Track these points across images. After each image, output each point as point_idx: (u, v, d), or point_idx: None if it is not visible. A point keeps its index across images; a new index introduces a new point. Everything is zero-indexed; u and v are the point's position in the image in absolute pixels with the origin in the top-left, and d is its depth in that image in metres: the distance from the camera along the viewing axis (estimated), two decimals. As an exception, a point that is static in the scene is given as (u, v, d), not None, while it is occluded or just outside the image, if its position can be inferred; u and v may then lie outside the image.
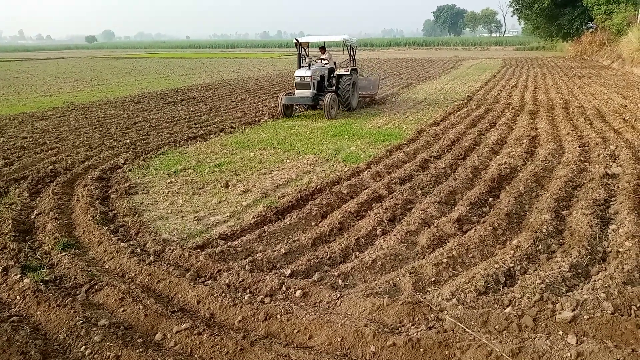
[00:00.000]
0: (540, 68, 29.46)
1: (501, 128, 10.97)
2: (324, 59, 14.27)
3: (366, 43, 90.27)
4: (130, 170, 8.35)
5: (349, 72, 13.80)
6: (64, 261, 4.84)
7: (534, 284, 3.99)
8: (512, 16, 58.69)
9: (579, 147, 8.85)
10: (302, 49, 14.18)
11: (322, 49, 14.66)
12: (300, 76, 13.04)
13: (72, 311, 3.90)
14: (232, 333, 3.62)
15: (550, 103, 14.78)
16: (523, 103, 14.94)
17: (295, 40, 13.85)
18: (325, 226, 5.56)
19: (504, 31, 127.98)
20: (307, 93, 13.10)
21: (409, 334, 3.44)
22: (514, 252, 4.60)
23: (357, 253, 5.00)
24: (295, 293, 4.15)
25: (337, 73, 13.93)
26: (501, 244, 5.03)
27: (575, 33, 44.44)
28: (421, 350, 3.29)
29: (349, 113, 14.03)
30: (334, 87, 13.79)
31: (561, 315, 3.48)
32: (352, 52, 14.58)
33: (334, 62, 14.46)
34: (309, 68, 13.08)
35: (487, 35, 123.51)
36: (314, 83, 13.03)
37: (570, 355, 3.06)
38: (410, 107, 15.05)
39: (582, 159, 8.07)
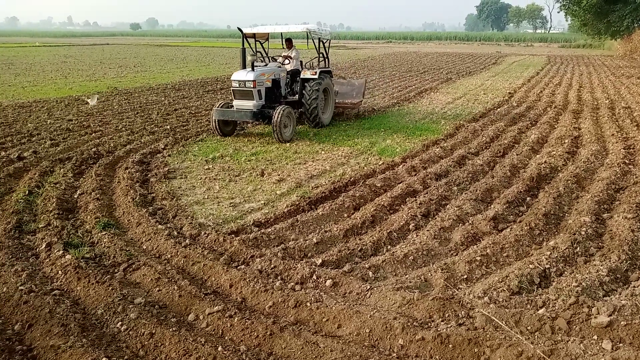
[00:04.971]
0: (586, 66, 28.48)
1: (542, 127, 10.69)
2: (288, 57, 10.92)
3: (406, 36, 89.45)
4: (169, 156, 8.56)
5: (316, 75, 10.25)
6: (104, 240, 5.02)
7: (570, 287, 3.89)
8: (558, 12, 56.72)
9: (624, 149, 8.54)
10: (258, 43, 10.68)
11: (289, 42, 11.13)
12: (238, 81, 9.36)
13: (110, 288, 4.04)
14: (263, 318, 3.69)
15: (595, 103, 14.28)
16: (566, 102, 14.50)
17: (240, 30, 10.05)
18: (358, 218, 5.56)
19: (550, 27, 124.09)
20: (249, 104, 9.40)
21: (439, 329, 3.42)
22: (550, 254, 4.49)
23: (389, 246, 4.99)
24: (325, 282, 4.19)
25: (303, 76, 10.40)
26: (537, 244, 4.92)
27: (625, 31, 42.62)
28: (450, 346, 3.27)
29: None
30: (298, 96, 10.44)
31: (597, 320, 3.38)
32: (323, 48, 10.97)
33: (300, 62, 11.07)
34: (253, 69, 9.42)
35: (531, 32, 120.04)
36: (259, 91, 9.41)
37: (605, 361, 2.99)
38: (449, 102, 14.82)
39: (627, 161, 7.79)
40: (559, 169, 7.47)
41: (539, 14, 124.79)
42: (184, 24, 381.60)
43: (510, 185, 6.75)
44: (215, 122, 9.79)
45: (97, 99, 13.32)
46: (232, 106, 9.80)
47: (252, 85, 9.26)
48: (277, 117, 9.14)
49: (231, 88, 9.68)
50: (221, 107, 9.78)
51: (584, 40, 60.38)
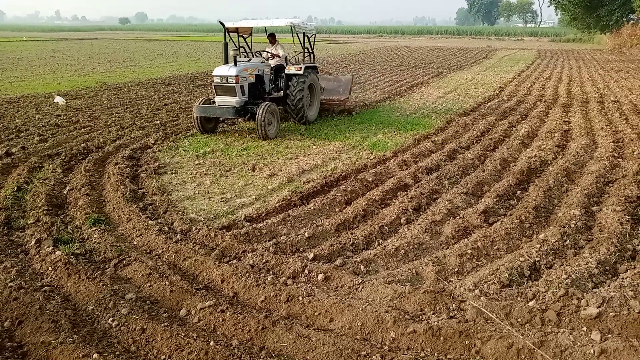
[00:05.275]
0: (576, 60, 28.66)
1: (533, 120, 10.76)
2: (276, 55, 10.67)
3: (397, 31, 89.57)
4: (159, 151, 8.50)
5: (302, 71, 9.97)
6: (94, 236, 4.98)
7: (560, 279, 3.93)
8: (548, 6, 57.11)
9: (613, 142, 8.61)
10: (242, 38, 10.47)
11: (272, 37, 10.86)
12: (220, 76, 9.11)
13: (101, 284, 4.02)
14: (255, 312, 3.69)
15: (585, 97, 14.40)
16: (556, 96, 14.60)
17: (221, 25, 9.80)
18: (349, 213, 5.57)
19: (540, 22, 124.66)
20: (232, 101, 9.17)
21: (430, 322, 3.44)
22: (541, 246, 4.53)
23: (381, 240, 5.00)
24: (317, 276, 4.19)
25: (287, 72, 10.11)
26: (527, 237, 4.96)
27: (614, 25, 42.98)
28: (441, 338, 3.29)
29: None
30: (282, 92, 10.16)
31: (586, 312, 3.42)
32: (308, 44, 10.71)
33: (285, 58, 10.79)
34: (236, 64, 9.21)
35: (521, 26, 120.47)
36: (242, 86, 9.19)
37: (594, 352, 3.02)
38: (440, 97, 14.86)
39: (616, 154, 7.86)
40: (549, 162, 7.52)
41: (529, 8, 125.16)
42: (173, 18, 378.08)
43: (501, 178, 6.79)
44: (196, 119, 9.50)
45: (60, 96, 13.24)
46: (214, 102, 9.52)
47: (234, 81, 9.01)
48: (262, 113, 8.91)
49: (213, 83, 9.39)
50: (202, 104, 9.48)
51: (574, 35, 60.77)
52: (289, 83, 10.01)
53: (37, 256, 4.61)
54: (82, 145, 8.55)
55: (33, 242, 4.85)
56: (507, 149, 8.28)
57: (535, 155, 7.72)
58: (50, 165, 7.39)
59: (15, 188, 6.38)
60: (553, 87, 16.63)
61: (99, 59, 28.89)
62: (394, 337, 3.37)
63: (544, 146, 8.45)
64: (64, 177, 7.03)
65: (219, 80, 9.15)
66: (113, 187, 6.46)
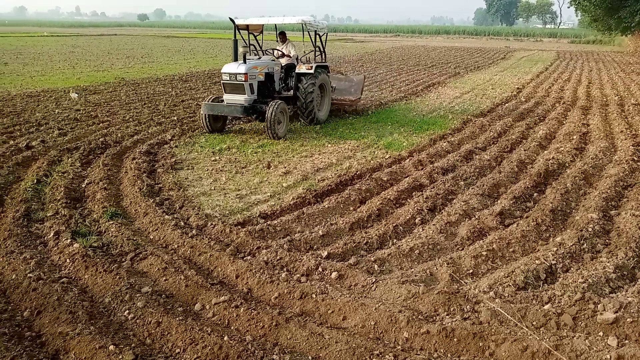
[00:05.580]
0: (596, 62, 28.25)
1: (551, 122, 10.63)
2: (287, 56, 10.56)
3: (414, 30, 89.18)
4: (176, 147, 8.58)
5: (312, 70, 9.77)
6: (112, 229, 5.05)
7: (576, 283, 3.88)
8: (568, 7, 56.36)
9: (633, 146, 8.47)
10: (252, 35, 10.42)
11: (282, 35, 10.77)
12: (229, 73, 8.94)
13: (118, 277, 4.07)
14: (268, 308, 3.71)
15: (605, 99, 14.18)
16: (575, 98, 14.40)
17: (232, 21, 9.61)
18: (364, 212, 5.57)
19: (559, 23, 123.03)
20: (241, 99, 9.01)
21: (444, 323, 3.43)
22: (557, 250, 4.48)
23: (395, 240, 4.99)
24: (331, 274, 4.20)
25: (298, 71, 9.93)
26: (544, 240, 4.91)
27: (636, 27, 42.06)
28: (455, 340, 3.28)
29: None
30: (293, 91, 10.01)
31: (602, 316, 3.38)
32: (319, 42, 10.48)
33: (297, 57, 10.67)
34: (245, 62, 9.04)
35: (541, 27, 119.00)
36: (251, 84, 9.00)
37: (610, 358, 2.98)
38: (456, 97, 14.76)
39: (635, 158, 7.73)
40: (567, 165, 7.43)
41: (549, 9, 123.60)
42: (191, 15, 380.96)
43: (518, 180, 6.73)
44: (204, 117, 9.30)
45: (77, 93, 13.45)
46: (222, 100, 9.36)
47: (243, 78, 8.81)
48: (271, 112, 8.72)
49: (221, 81, 9.20)
50: (211, 101, 9.34)
51: (594, 36, 59.84)
52: (300, 81, 9.81)
53: (56, 248, 4.69)
54: (101, 139, 8.66)
55: (52, 234, 4.93)
56: (525, 150, 8.19)
57: (552, 158, 7.64)
58: (69, 159, 7.50)
59: (35, 181, 6.48)
60: (572, 89, 16.42)
61: (117, 54, 29.23)
62: (407, 337, 3.36)
63: (562, 148, 8.34)
64: (83, 170, 7.13)
65: (228, 78, 8.98)
66: (130, 181, 6.53)
